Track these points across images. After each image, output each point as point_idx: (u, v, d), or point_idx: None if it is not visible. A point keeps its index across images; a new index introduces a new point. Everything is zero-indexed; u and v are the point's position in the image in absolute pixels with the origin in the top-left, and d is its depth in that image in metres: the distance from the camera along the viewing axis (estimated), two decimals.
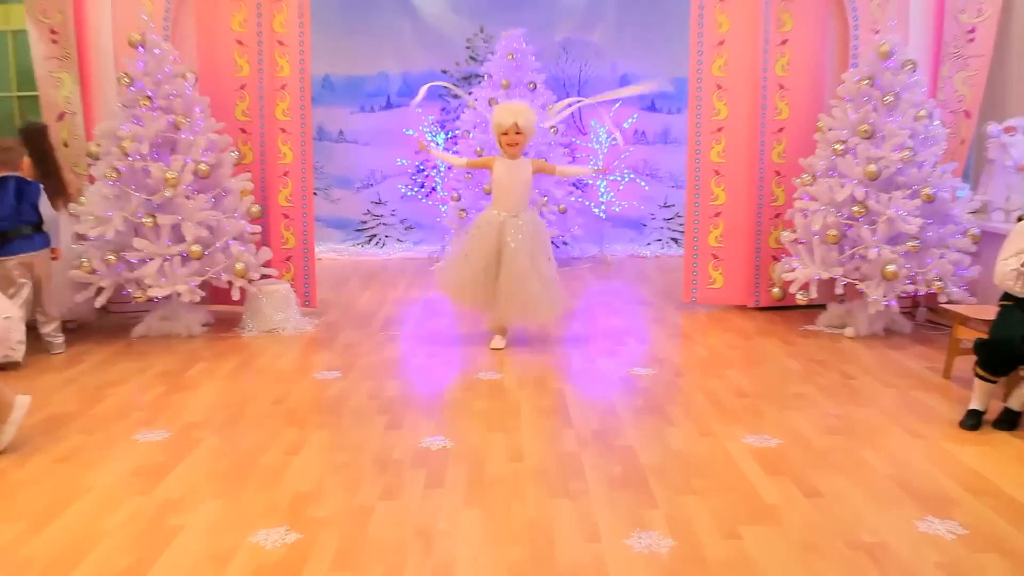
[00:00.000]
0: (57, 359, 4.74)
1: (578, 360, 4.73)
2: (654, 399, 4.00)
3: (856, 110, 5.19)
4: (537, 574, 2.42)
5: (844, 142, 5.16)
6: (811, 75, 5.75)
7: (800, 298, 5.34)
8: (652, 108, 8.98)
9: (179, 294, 5.05)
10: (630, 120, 8.90)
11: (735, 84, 5.74)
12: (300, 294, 5.72)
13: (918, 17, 5.54)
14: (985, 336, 3.62)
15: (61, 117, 5.38)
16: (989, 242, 5.06)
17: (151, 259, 5.00)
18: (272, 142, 5.65)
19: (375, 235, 9.01)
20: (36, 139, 4.94)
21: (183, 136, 5.10)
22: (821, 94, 5.76)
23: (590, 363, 4.66)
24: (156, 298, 5.08)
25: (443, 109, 8.83)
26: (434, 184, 8.87)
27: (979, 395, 3.60)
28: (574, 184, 8.59)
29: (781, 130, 5.76)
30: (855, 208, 5.03)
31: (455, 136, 8.61)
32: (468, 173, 7.69)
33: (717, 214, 5.87)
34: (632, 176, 8.97)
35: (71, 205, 5.11)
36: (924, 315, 5.62)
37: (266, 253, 5.41)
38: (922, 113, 5.05)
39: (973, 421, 3.56)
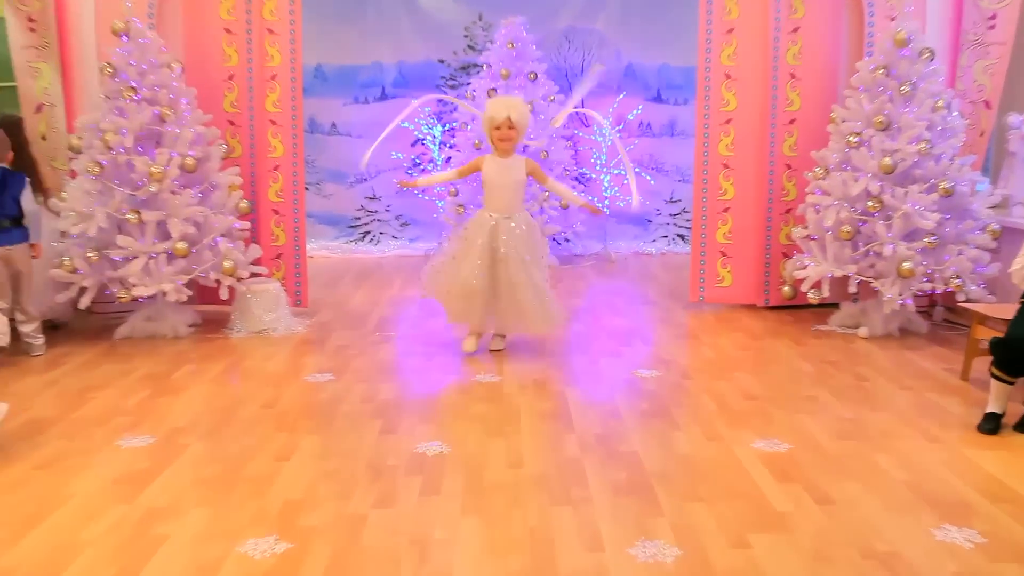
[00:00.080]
0: (37, 361, 4.74)
1: (580, 362, 4.73)
2: (660, 402, 4.00)
3: (871, 101, 5.18)
4: None
5: (858, 134, 5.16)
6: (824, 64, 5.75)
7: (812, 297, 5.33)
8: (658, 99, 8.99)
9: (165, 293, 5.05)
10: (635, 111, 8.91)
11: (745, 74, 5.73)
12: (291, 293, 5.72)
13: (936, 3, 5.53)
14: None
15: (39, 109, 5.37)
16: (1009, 238, 5.05)
17: (135, 257, 5.00)
18: (262, 135, 5.65)
19: (369, 232, 9.01)
20: (11, 132, 4.93)
21: (169, 129, 5.10)
22: (834, 84, 5.75)
23: (593, 365, 4.66)
24: (141, 298, 5.08)
25: (440, 101, 8.81)
26: None
27: (997, 397, 3.60)
28: (576, 178, 8.60)
29: (792, 122, 5.75)
30: (870, 203, 5.03)
31: (452, 129, 8.61)
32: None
33: (725, 209, 5.87)
34: (637, 170, 8.95)
35: (51, 201, 5.11)
36: (941, 314, 5.62)
37: (255, 251, 5.41)
38: (940, 104, 5.04)
39: (992, 425, 3.56)
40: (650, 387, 4.24)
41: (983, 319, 4.26)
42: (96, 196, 5.01)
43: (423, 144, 8.86)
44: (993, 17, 5.48)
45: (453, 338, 5.10)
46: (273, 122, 5.64)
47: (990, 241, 5.07)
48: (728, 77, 5.76)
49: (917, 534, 2.68)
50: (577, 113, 8.89)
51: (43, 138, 5.36)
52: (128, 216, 4.97)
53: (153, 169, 4.95)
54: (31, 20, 5.30)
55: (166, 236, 5.07)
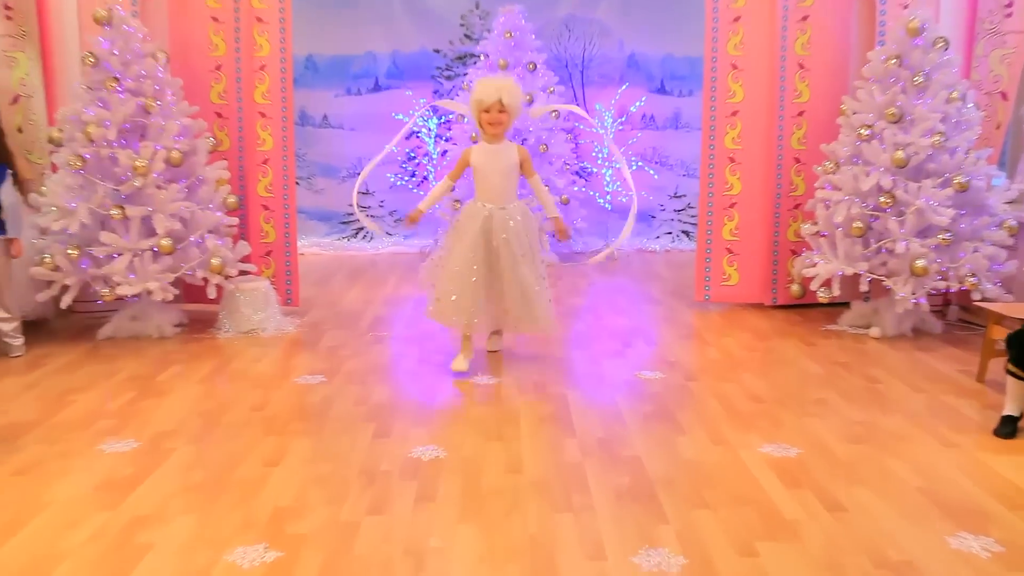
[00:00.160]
0: (16, 362, 4.72)
1: (581, 363, 4.72)
2: (663, 405, 3.99)
3: (883, 92, 5.17)
4: None
5: (870, 127, 5.15)
6: (834, 54, 5.74)
7: (822, 296, 5.33)
8: (661, 90, 8.98)
9: (150, 292, 5.04)
10: (638, 103, 8.90)
11: (752, 64, 5.73)
12: (281, 292, 5.71)
13: None
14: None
15: (16, 100, 5.35)
16: None
17: (119, 254, 4.99)
18: (250, 127, 5.63)
19: (362, 228, 9.00)
20: None
21: (154, 121, 5.09)
22: (845, 75, 5.75)
23: (594, 366, 4.65)
24: (125, 297, 5.07)
25: (435, 92, 8.82)
26: (426, 173, 8.87)
27: (1014, 398, 3.59)
28: (577, 173, 8.59)
29: (801, 114, 5.75)
30: (882, 198, 5.02)
31: (448, 121, 8.61)
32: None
33: (732, 205, 5.86)
34: (640, 164, 8.96)
35: (31, 196, 5.10)
36: (956, 314, 5.62)
37: (244, 248, 5.40)
38: (954, 95, 5.03)
39: (1009, 428, 3.56)
40: (654, 389, 4.23)
41: (999, 319, 4.26)
42: (78, 191, 5.00)
43: (418, 137, 8.85)
44: (1010, 4, 5.47)
45: (449, 338, 5.08)
46: (262, 114, 5.63)
47: (1007, 238, 5.06)
48: (735, 67, 5.75)
49: (932, 542, 2.68)
50: (577, 104, 8.91)
51: (19, 130, 5.34)
52: (111, 212, 4.95)
53: (137, 163, 4.93)
54: (7, 8, 5.28)
55: (151, 233, 5.05)
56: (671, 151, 9.05)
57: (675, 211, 9.13)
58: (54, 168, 5.18)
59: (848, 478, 3.15)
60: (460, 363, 4.46)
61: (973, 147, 5.12)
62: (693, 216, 8.88)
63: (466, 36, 8.83)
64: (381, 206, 8.98)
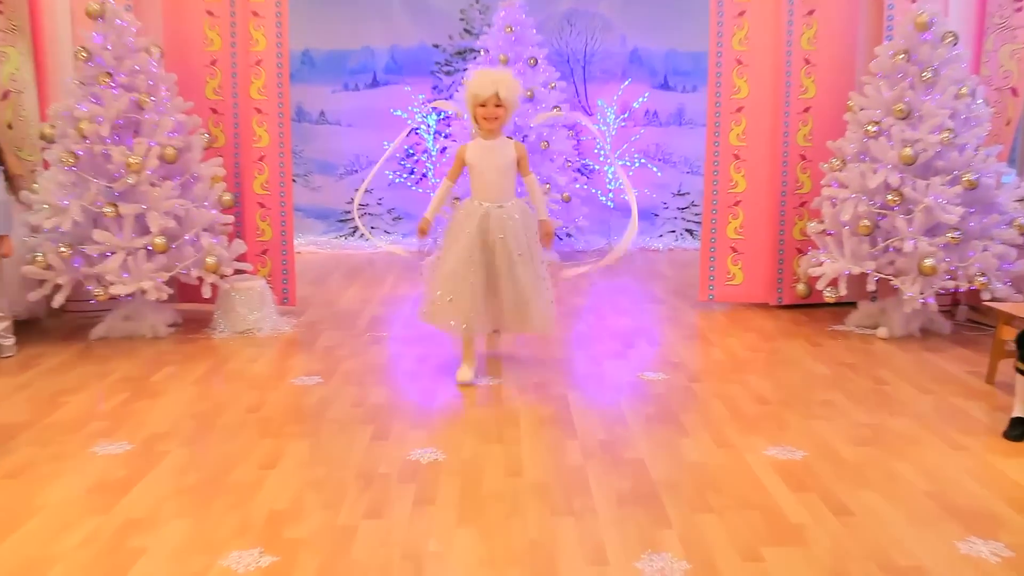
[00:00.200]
0: (7, 363, 4.72)
1: (583, 364, 4.72)
2: (667, 407, 3.99)
3: (891, 88, 5.17)
4: None
5: (877, 123, 5.15)
6: (841, 49, 5.74)
7: (828, 295, 5.32)
8: (665, 86, 8.98)
9: (144, 291, 5.04)
10: (641, 99, 8.89)
11: (757, 59, 5.72)
12: (277, 291, 5.71)
13: None
14: None
15: (6, 96, 5.34)
16: None
17: (112, 253, 4.99)
18: (246, 124, 5.63)
19: (361, 222, 8.98)
20: None
21: (147, 117, 5.08)
22: (852, 70, 5.74)
23: (596, 367, 4.65)
24: (118, 296, 5.06)
25: (435, 87, 8.81)
26: (425, 170, 8.86)
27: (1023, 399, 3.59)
28: (578, 170, 8.59)
29: (807, 110, 5.74)
30: (889, 196, 5.02)
31: (448, 118, 8.60)
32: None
33: (737, 203, 5.86)
34: (643, 161, 8.96)
35: (23, 193, 5.09)
36: (965, 314, 5.61)
37: (240, 246, 5.40)
38: (964, 91, 5.03)
39: (1019, 431, 3.55)
40: (657, 391, 4.23)
41: (1009, 319, 4.25)
42: (70, 188, 4.99)
43: (416, 133, 8.84)
44: None
45: (448, 339, 5.08)
46: (258, 110, 5.62)
47: (1017, 236, 5.06)
48: (739, 63, 5.75)
49: (940, 547, 2.67)
50: (580, 103, 8.91)
51: (9, 127, 5.33)
52: (104, 209, 4.95)
53: (131, 160, 4.93)
54: None
55: (145, 231, 5.05)
56: (674, 148, 9.04)
57: (678, 209, 9.12)
58: (46, 165, 5.17)
59: (855, 481, 3.15)
60: (465, 373, 4.35)
61: (982, 144, 5.12)
62: (697, 214, 8.87)
63: (466, 31, 8.82)
64: (379, 204, 8.98)
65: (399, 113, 8.75)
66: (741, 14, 5.71)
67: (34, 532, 2.79)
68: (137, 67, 5.09)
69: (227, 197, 5.39)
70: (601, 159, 8.84)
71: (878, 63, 5.28)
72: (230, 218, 5.42)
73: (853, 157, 5.27)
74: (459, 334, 4.40)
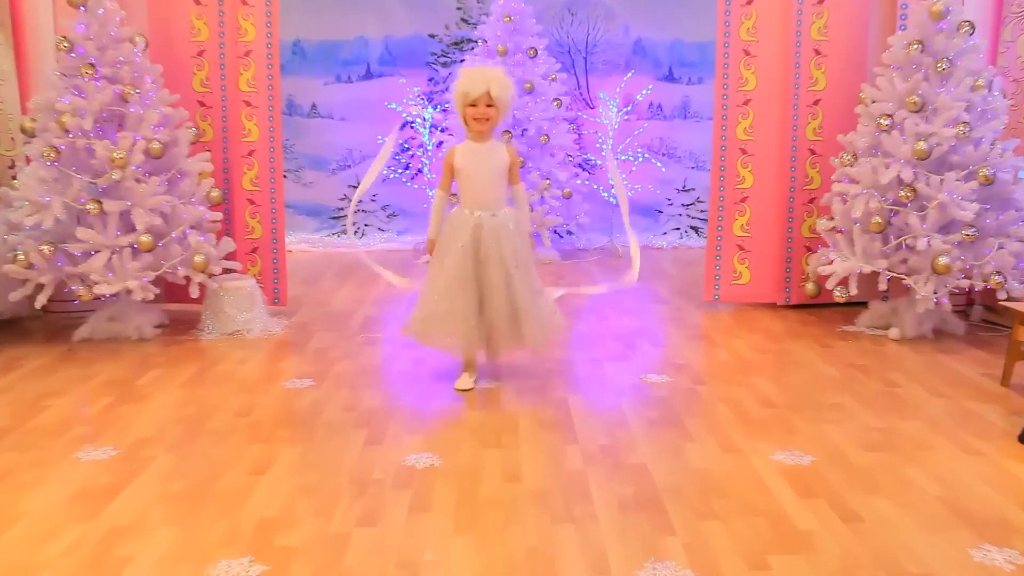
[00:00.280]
0: None
1: (584, 366, 4.73)
2: (670, 410, 4.00)
3: (904, 79, 5.18)
4: None
5: (890, 116, 5.16)
6: (852, 39, 5.75)
7: (838, 295, 5.34)
8: (670, 78, 8.99)
9: (129, 291, 5.04)
10: (644, 92, 8.90)
11: (765, 50, 5.73)
12: (268, 291, 5.71)
13: None
14: None
15: None
16: None
17: (96, 251, 4.99)
18: (235, 117, 5.64)
19: (353, 223, 9.00)
20: None
21: (132, 110, 5.09)
22: (863, 61, 5.75)
23: (598, 369, 4.66)
24: (103, 296, 5.07)
25: (431, 79, 8.82)
26: (420, 165, 8.87)
27: None
28: (580, 165, 8.60)
29: (817, 102, 5.76)
30: (902, 192, 5.03)
31: (445, 110, 8.61)
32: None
33: (743, 199, 5.87)
34: (646, 156, 8.97)
35: (1, 189, 5.10)
36: (980, 314, 5.62)
37: (228, 244, 5.41)
38: (980, 82, 5.04)
39: None
40: (660, 394, 4.24)
41: None
42: (52, 184, 5.00)
43: (412, 127, 8.85)
44: None
45: None
46: (247, 103, 5.63)
47: None
48: (747, 53, 5.75)
49: (953, 555, 2.68)
50: (581, 95, 8.92)
51: None
52: (88, 206, 4.95)
53: (115, 154, 4.93)
54: None
55: (130, 228, 5.06)
56: (679, 142, 9.05)
57: (683, 205, 9.13)
58: (27, 160, 5.18)
59: (865, 487, 3.16)
60: (465, 382, 4.32)
61: (999, 138, 5.13)
62: (702, 211, 8.89)
63: (463, 20, 8.83)
64: (374, 200, 8.99)
65: (394, 106, 8.76)
66: (749, 3, 5.72)
67: (16, 540, 2.79)
68: (121, 58, 5.09)
69: (215, 193, 5.40)
70: (603, 153, 8.85)
71: (891, 54, 5.29)
72: (218, 215, 5.43)
73: (865, 151, 5.28)
74: (457, 352, 4.35)
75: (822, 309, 5.82)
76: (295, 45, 8.68)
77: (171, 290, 5.56)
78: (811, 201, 5.80)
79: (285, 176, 7.83)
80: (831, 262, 5.30)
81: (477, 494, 3.11)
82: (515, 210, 4.29)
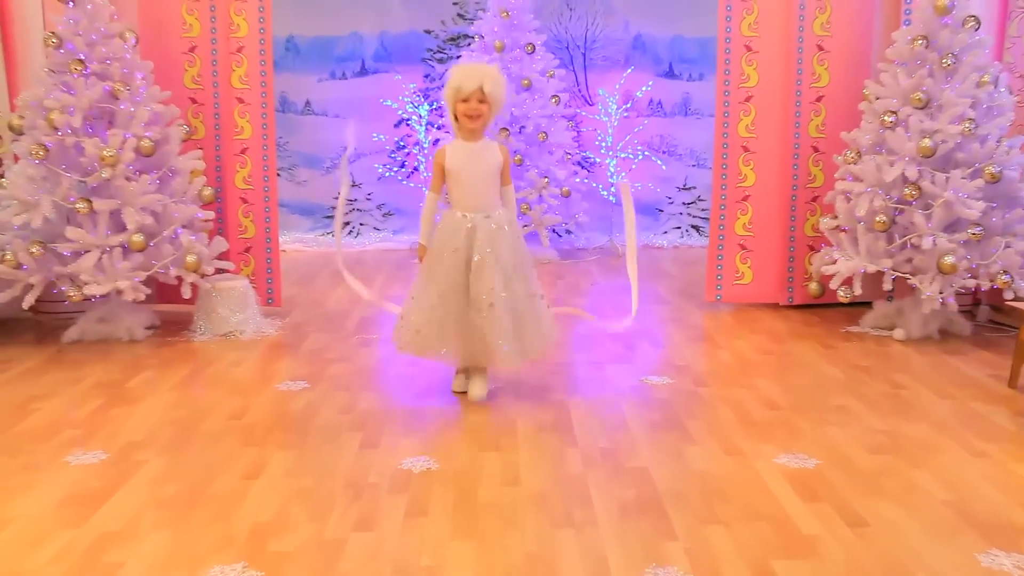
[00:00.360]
0: None
1: (584, 368, 4.73)
2: (672, 413, 4.00)
3: (908, 75, 5.18)
4: None
5: (894, 113, 5.16)
6: (856, 35, 5.75)
7: (842, 295, 5.34)
8: (670, 74, 8.99)
9: (119, 292, 5.03)
10: (644, 88, 8.91)
11: (767, 45, 5.73)
12: (261, 292, 5.71)
13: None
14: None
15: None
16: None
17: (86, 251, 4.98)
18: (228, 114, 5.63)
19: (348, 223, 9.00)
20: None
21: (122, 107, 5.08)
22: (867, 57, 5.76)
23: (598, 371, 4.66)
24: (93, 297, 5.06)
25: (426, 76, 8.82)
26: (416, 163, 8.87)
27: None
28: (579, 163, 8.60)
29: (820, 99, 5.76)
30: (907, 190, 5.03)
31: (441, 108, 8.60)
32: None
33: (745, 198, 5.87)
34: (646, 153, 8.97)
35: None
36: (987, 314, 5.63)
37: (221, 244, 5.40)
38: (986, 79, 5.04)
39: None
40: (661, 396, 4.24)
41: None
42: (41, 183, 4.99)
43: (408, 125, 8.85)
44: None
45: None
46: (240, 100, 5.62)
47: None
48: (749, 49, 5.75)
49: (960, 560, 2.68)
50: (580, 92, 8.92)
51: None
52: (77, 205, 4.95)
53: (105, 152, 4.93)
54: None
55: (120, 228, 5.05)
56: (680, 139, 9.06)
57: (684, 204, 9.13)
58: (15, 158, 5.17)
59: (870, 491, 3.16)
60: (462, 383, 4.24)
61: (1006, 135, 5.13)
62: (703, 209, 8.89)
63: (459, 16, 8.83)
64: (369, 199, 8.99)
65: (389, 103, 8.75)
66: None
67: (3, 547, 2.78)
68: (111, 54, 5.08)
69: (207, 192, 5.39)
70: (602, 151, 8.85)
71: (895, 49, 5.29)
72: (211, 214, 5.42)
73: (868, 149, 5.28)
74: (453, 362, 4.23)
75: (826, 309, 5.82)
76: (288, 41, 8.67)
77: (162, 291, 5.55)
78: (814, 199, 5.80)
79: (279, 174, 7.81)
80: (835, 262, 5.30)
81: (475, 498, 3.11)
82: (508, 212, 4.15)
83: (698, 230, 8.98)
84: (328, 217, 8.94)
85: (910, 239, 5.10)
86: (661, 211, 9.08)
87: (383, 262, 7.90)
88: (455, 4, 8.82)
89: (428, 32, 8.83)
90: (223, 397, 4.23)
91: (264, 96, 5.64)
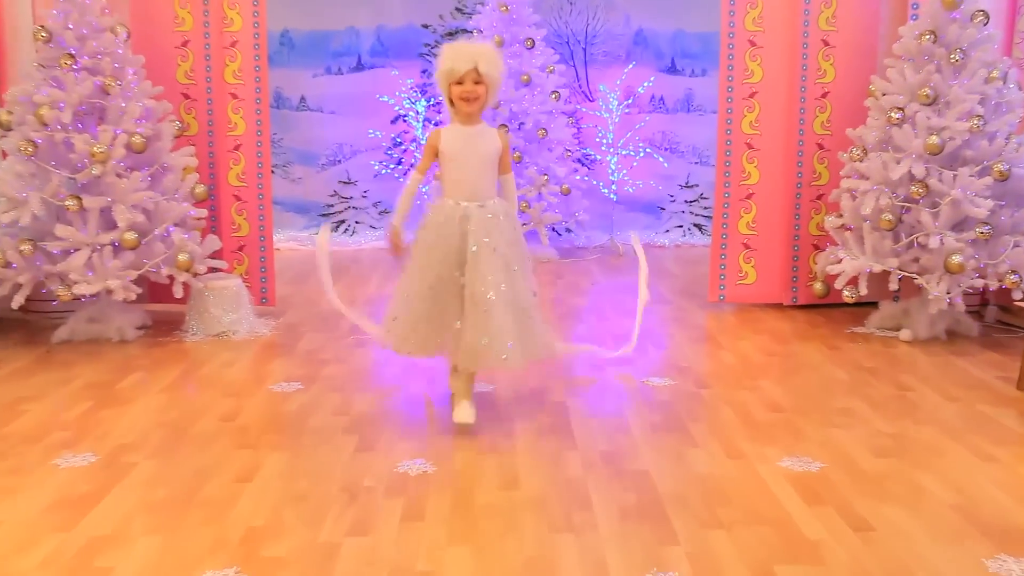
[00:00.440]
0: None
1: (583, 368, 4.73)
2: (673, 415, 4.00)
3: (916, 71, 5.18)
4: None
5: (901, 109, 5.16)
6: (862, 29, 5.75)
7: (847, 295, 5.33)
8: (672, 70, 8.99)
9: (110, 291, 5.03)
10: (646, 84, 8.91)
11: (772, 40, 5.73)
12: (255, 291, 5.71)
13: None
14: None
15: None
16: None
17: (76, 249, 4.98)
18: (221, 110, 5.63)
19: (343, 221, 9.00)
20: None
21: (113, 102, 5.08)
22: (873, 52, 5.75)
23: (598, 372, 4.66)
24: (83, 296, 5.06)
25: (424, 71, 8.82)
26: (413, 160, 8.87)
27: None
28: (579, 160, 8.60)
29: (825, 95, 5.76)
30: (913, 188, 5.03)
31: (438, 103, 8.60)
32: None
33: (749, 196, 5.87)
34: (648, 150, 8.97)
35: None
36: (995, 315, 5.63)
37: (214, 242, 5.40)
38: (994, 74, 5.04)
39: None
40: (663, 397, 4.24)
41: None
42: (30, 180, 4.99)
43: (404, 121, 8.85)
44: None
45: None
46: (234, 95, 5.62)
47: None
48: (753, 44, 5.75)
49: (968, 566, 2.68)
50: (580, 87, 8.92)
51: None
52: (67, 203, 4.94)
53: (95, 149, 4.93)
54: None
55: (111, 226, 5.05)
56: (682, 136, 9.06)
57: (686, 202, 9.14)
58: (3, 155, 5.17)
59: (876, 495, 3.16)
60: (465, 412, 3.82)
61: (1015, 132, 5.13)
62: (706, 208, 8.90)
63: (457, 10, 8.83)
64: (364, 196, 8.99)
65: (386, 99, 8.75)
66: None
67: None
68: (102, 48, 5.08)
69: (200, 189, 5.39)
70: (603, 148, 8.85)
71: (902, 44, 5.29)
72: (204, 212, 5.42)
73: (875, 146, 5.29)
74: (448, 361, 3.99)
75: (831, 310, 5.82)
76: (283, 35, 8.68)
77: (154, 290, 5.55)
78: (819, 198, 5.80)
79: (273, 171, 7.82)
80: (840, 261, 5.30)
81: (472, 502, 3.11)
82: (504, 202, 3.89)
83: (700, 229, 8.98)
84: (323, 215, 8.95)
85: (917, 238, 5.10)
86: (663, 209, 9.08)
87: (378, 261, 7.90)
88: None
89: (426, 27, 8.83)
90: (216, 398, 4.23)
91: (258, 92, 5.64)
